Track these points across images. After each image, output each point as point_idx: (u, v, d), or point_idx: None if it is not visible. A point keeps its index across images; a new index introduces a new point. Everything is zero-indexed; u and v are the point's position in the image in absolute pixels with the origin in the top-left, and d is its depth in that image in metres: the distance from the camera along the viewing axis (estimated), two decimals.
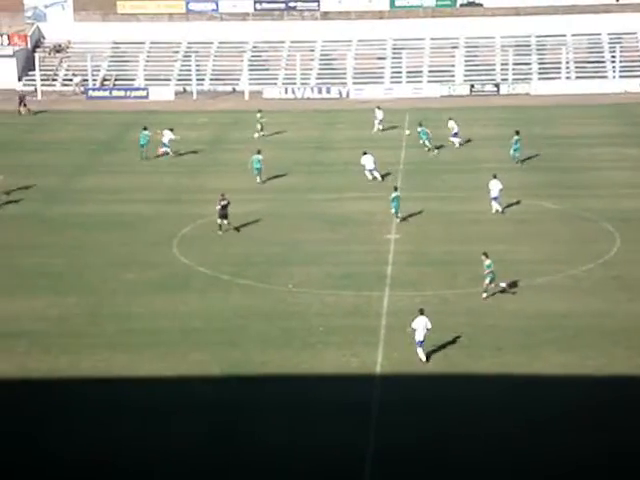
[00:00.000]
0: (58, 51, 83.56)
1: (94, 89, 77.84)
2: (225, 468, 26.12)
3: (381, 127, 63.35)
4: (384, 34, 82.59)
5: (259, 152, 52.26)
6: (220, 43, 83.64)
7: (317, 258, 41.00)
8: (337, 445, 26.92)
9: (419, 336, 31.38)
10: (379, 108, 63.98)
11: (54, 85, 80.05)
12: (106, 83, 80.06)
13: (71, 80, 79.46)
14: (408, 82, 77.60)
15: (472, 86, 76.59)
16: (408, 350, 32.13)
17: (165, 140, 57.45)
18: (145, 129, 57.32)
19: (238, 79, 79.61)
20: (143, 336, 33.65)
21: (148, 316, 35.37)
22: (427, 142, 57.62)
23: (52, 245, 42.80)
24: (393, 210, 44.95)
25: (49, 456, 26.54)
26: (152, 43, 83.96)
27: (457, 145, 58.55)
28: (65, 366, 31.46)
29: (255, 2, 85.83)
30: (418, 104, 71.64)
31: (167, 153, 57.20)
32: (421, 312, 31.74)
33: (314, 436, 27.43)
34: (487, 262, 36.11)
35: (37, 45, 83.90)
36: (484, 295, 36.28)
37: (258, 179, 51.99)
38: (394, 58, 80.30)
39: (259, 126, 61.78)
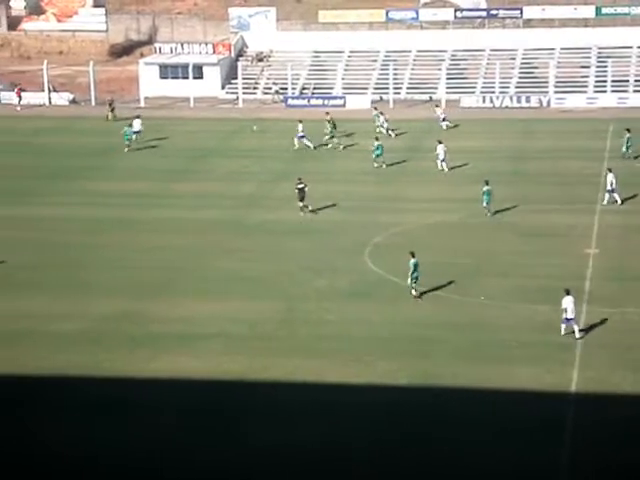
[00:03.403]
0: (260, 60, 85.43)
1: (293, 97, 79.14)
2: (415, 474, 25.97)
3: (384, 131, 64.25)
4: (589, 42, 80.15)
5: (377, 139, 57.49)
6: (418, 51, 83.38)
7: (510, 270, 40.02)
8: (529, 462, 26.16)
9: (569, 314, 32.80)
10: (382, 113, 65.67)
11: (255, 93, 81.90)
12: (305, 92, 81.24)
13: (270, 88, 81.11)
14: (613, 91, 74.98)
15: None
16: (605, 369, 30.91)
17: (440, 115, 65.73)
18: (381, 113, 65.02)
19: (435, 88, 79.11)
20: (333, 342, 33.71)
21: (338, 323, 35.42)
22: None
23: (248, 250, 43.58)
24: (485, 203, 46.04)
25: (247, 455, 26.83)
26: (351, 52, 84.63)
27: None
28: (258, 368, 31.86)
29: (456, 10, 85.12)
30: (623, 114, 69.06)
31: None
32: (567, 292, 33.08)
33: (503, 450, 26.75)
34: (412, 261, 36.45)
35: (240, 54, 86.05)
36: (413, 293, 36.71)
37: (375, 164, 56.09)
38: (599, 67, 77.74)
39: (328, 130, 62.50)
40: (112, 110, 72.87)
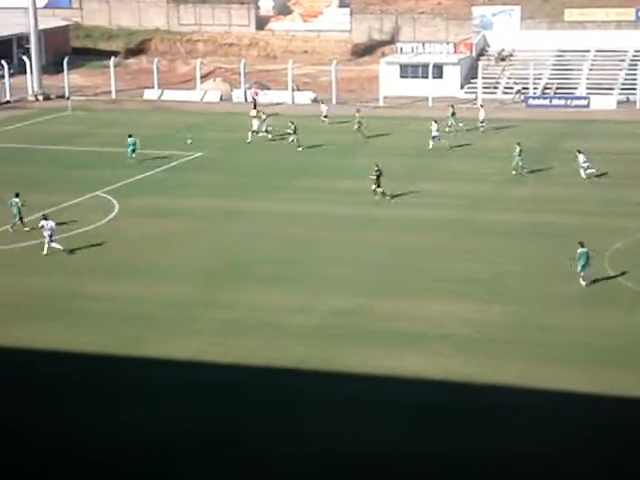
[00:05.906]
0: (502, 59, 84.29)
1: (534, 97, 77.51)
2: None
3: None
4: None
5: (519, 144, 54.98)
6: None
7: None
8: None
9: None
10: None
11: (495, 93, 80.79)
12: (547, 92, 79.42)
13: (511, 88, 79.81)
14: None
15: None
16: None
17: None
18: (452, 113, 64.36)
19: None
20: (559, 349, 32.59)
21: (568, 329, 34.22)
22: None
23: (477, 251, 42.86)
24: None
25: (470, 460, 26.45)
26: (597, 51, 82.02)
27: None
28: (485, 371, 31.22)
29: None
30: None
31: None
32: None
33: None
34: (579, 250, 37.21)
35: (481, 53, 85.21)
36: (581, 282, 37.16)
37: (515, 172, 54.43)
38: None
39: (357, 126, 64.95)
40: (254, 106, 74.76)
